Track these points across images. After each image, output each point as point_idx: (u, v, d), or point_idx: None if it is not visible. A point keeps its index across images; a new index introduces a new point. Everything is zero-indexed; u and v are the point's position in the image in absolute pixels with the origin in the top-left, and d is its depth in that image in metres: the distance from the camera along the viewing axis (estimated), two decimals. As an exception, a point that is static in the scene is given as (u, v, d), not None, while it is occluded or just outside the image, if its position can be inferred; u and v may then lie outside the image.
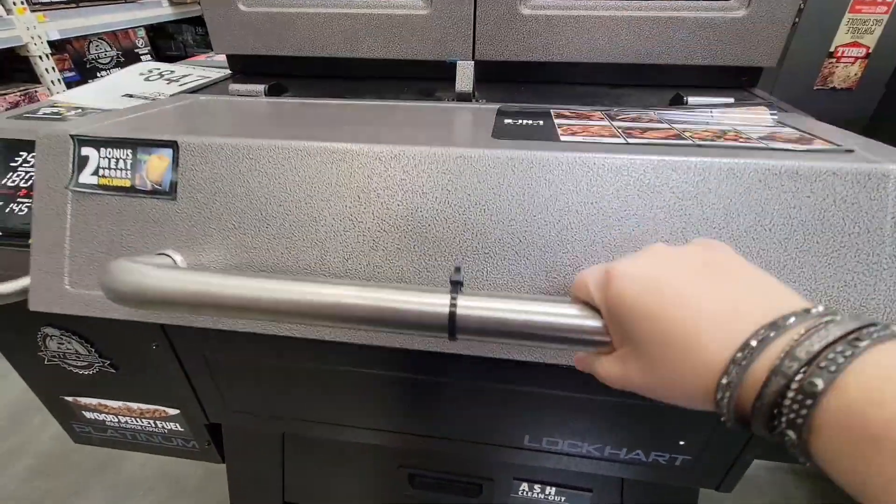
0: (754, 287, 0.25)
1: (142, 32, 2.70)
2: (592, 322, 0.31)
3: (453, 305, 0.33)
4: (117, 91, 0.87)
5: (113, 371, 0.77)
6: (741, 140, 0.46)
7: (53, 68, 2.24)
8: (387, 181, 0.44)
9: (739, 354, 0.22)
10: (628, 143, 0.44)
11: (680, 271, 0.26)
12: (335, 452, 0.84)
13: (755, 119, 0.55)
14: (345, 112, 0.59)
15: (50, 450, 1.62)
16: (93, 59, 2.49)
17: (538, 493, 0.79)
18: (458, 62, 0.61)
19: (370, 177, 0.44)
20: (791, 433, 0.20)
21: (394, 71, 0.76)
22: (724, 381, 0.22)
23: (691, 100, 0.59)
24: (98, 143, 0.48)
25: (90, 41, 2.50)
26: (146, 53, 2.72)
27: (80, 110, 0.77)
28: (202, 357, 0.70)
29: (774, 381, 0.21)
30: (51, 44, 2.23)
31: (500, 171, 0.42)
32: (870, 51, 1.22)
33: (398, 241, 0.45)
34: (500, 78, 0.75)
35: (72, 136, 0.48)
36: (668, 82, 0.72)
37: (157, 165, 0.49)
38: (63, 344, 0.74)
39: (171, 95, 0.67)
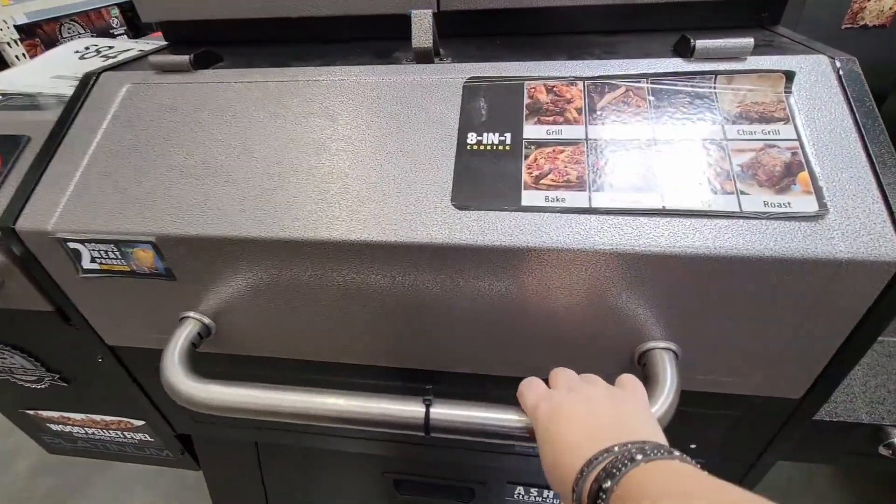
0: (620, 422, 0.34)
1: (115, 11, 2.57)
2: (524, 428, 0.42)
3: (427, 414, 0.44)
4: (48, 72, 0.78)
5: (65, 384, 0.71)
6: (718, 170, 0.42)
7: (24, 55, 2.13)
8: (343, 270, 0.47)
9: (584, 468, 0.31)
10: (591, 208, 0.42)
11: (579, 409, 0.36)
12: (314, 458, 0.78)
13: (765, 95, 0.45)
14: (268, 109, 0.52)
15: (50, 448, 1.61)
16: (66, 42, 2.37)
17: (535, 497, 0.73)
18: (413, 12, 0.51)
19: (329, 267, 0.47)
20: None
21: (348, 31, 0.65)
22: (575, 481, 0.32)
23: (699, 44, 0.48)
24: (82, 240, 0.48)
25: (62, 23, 2.38)
26: (122, 34, 2.59)
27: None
28: (155, 368, 0.63)
29: (595, 484, 0.30)
30: (19, 28, 2.12)
31: (460, 260, 0.44)
32: (907, -20, 1.06)
33: (366, 322, 0.51)
34: (474, 31, 0.63)
35: (56, 239, 0.48)
36: (674, 25, 0.60)
37: (144, 257, 0.49)
38: (6, 359, 0.68)
39: (84, 74, 0.57)
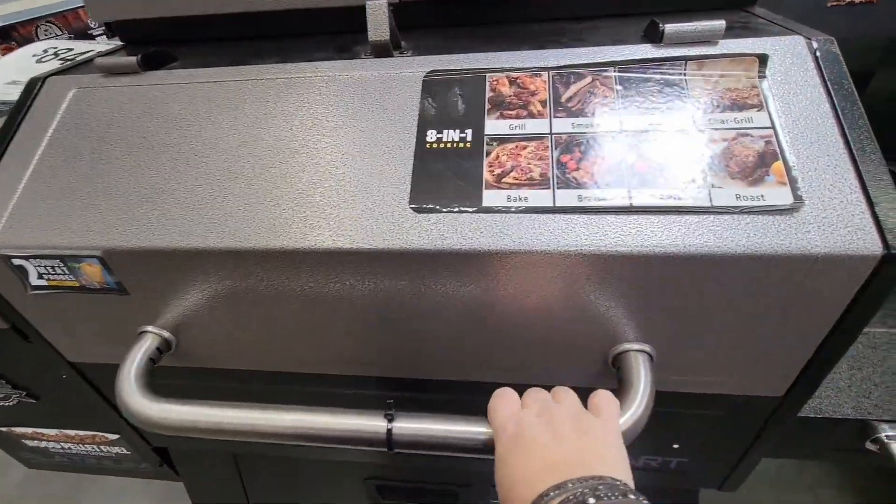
0: (581, 449, 0.33)
1: (93, 11, 2.51)
2: (492, 441, 0.39)
3: (389, 429, 0.42)
4: (3, 78, 0.75)
5: (33, 401, 0.69)
6: (688, 163, 0.40)
7: (0, 59, 2.09)
8: (300, 280, 0.44)
9: (535, 502, 0.30)
10: (555, 207, 0.40)
11: (542, 435, 0.35)
12: (295, 466, 0.76)
13: (738, 80, 0.42)
14: (219, 111, 0.49)
15: (41, 458, 1.59)
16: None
17: (520, 499, 0.71)
18: (368, 3, 0.48)
19: (286, 276, 0.44)
20: None
21: (309, 25, 0.62)
22: None
23: (669, 28, 0.45)
24: (26, 256, 0.46)
25: (38, 25, 2.31)
26: (101, 34, 2.54)
27: (-52, 106, 0.66)
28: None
29: None
30: (-6, 32, 2.07)
31: (419, 266, 0.41)
32: (895, -46, 1.03)
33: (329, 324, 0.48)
34: (439, 21, 0.61)
35: None
36: (648, 9, 0.57)
37: (91, 271, 0.46)
38: (-31, 377, 0.66)
39: (30, 79, 0.54)
